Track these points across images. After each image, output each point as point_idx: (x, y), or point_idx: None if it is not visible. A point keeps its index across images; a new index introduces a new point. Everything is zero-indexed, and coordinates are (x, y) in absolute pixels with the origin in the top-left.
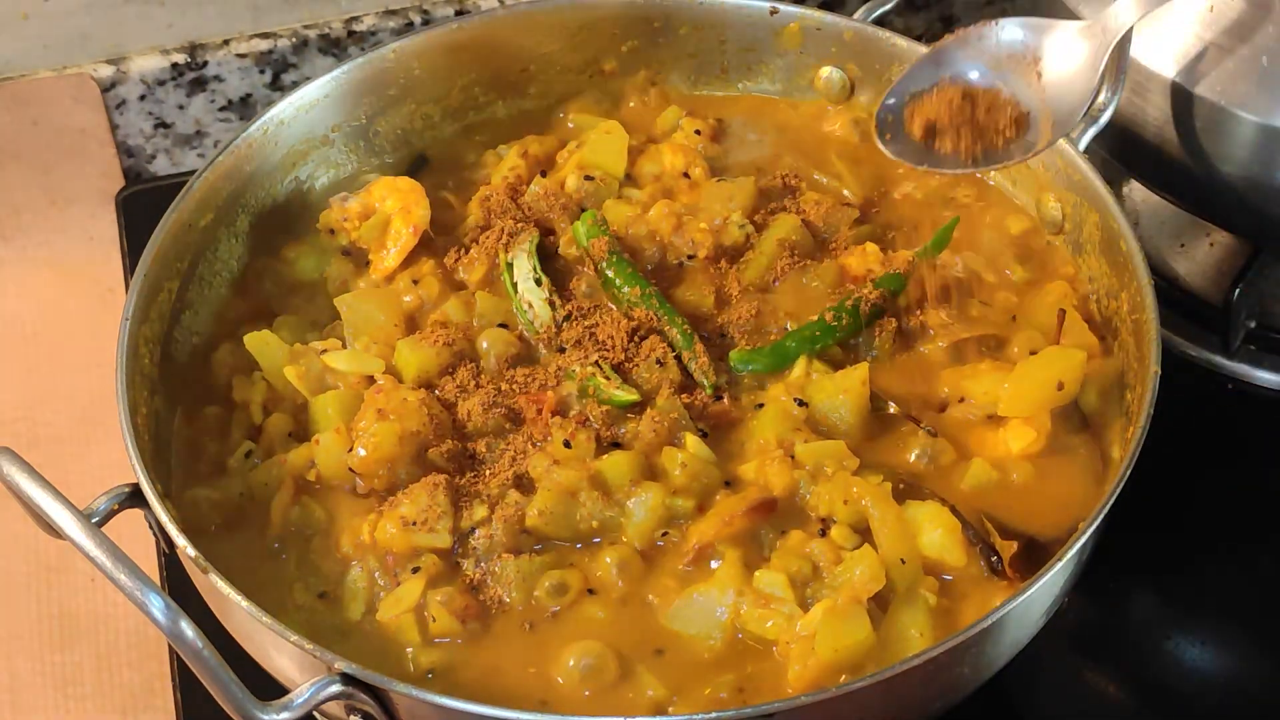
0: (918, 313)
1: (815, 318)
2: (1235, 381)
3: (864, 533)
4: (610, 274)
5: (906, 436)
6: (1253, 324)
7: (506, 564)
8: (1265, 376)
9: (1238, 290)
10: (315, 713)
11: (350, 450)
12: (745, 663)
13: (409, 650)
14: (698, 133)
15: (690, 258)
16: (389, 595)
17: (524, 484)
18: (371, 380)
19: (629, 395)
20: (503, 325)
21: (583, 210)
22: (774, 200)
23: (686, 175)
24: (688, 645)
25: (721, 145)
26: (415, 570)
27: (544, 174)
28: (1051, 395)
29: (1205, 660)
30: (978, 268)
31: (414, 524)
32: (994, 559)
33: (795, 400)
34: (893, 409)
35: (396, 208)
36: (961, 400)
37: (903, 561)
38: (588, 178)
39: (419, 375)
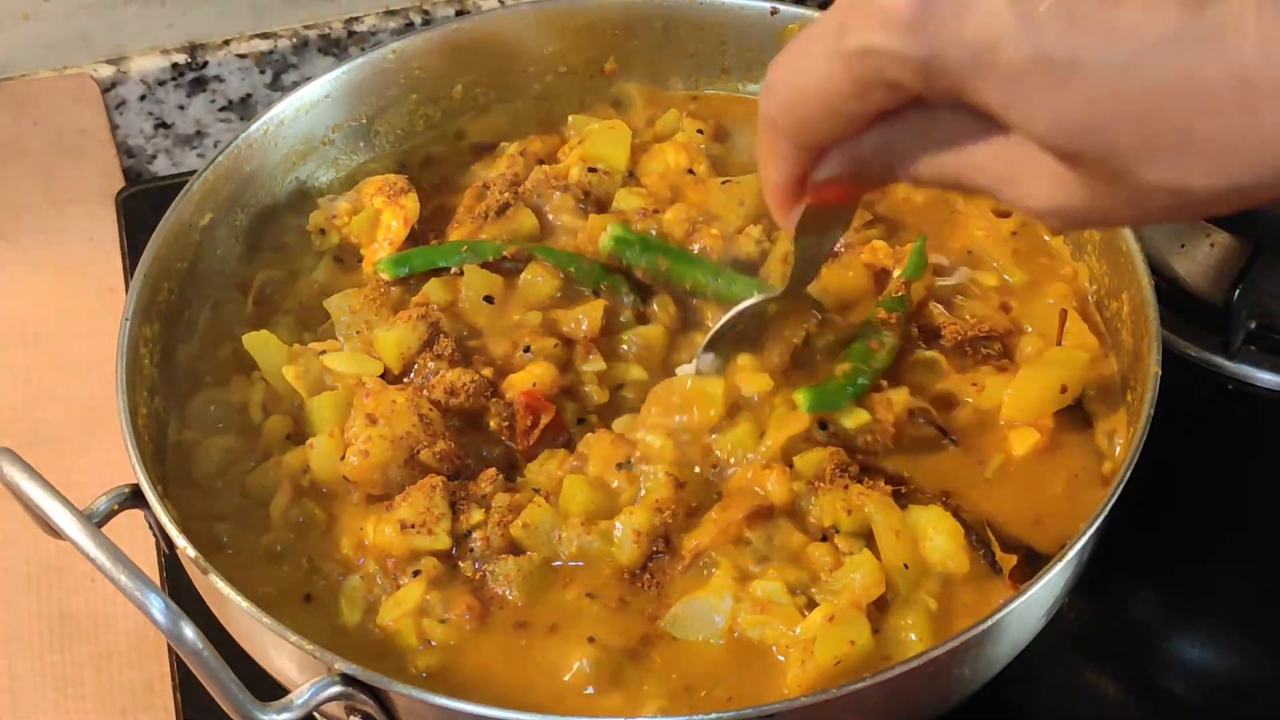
0: (918, 319)
1: (856, 342)
2: (1235, 381)
3: (865, 537)
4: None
5: (917, 441)
6: (1253, 324)
7: (506, 563)
8: (1265, 376)
9: (1238, 290)
10: (315, 713)
11: (342, 458)
12: (745, 666)
13: (408, 652)
14: (700, 132)
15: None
16: (389, 598)
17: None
18: None
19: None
20: (488, 299)
21: (585, 193)
22: None
23: (691, 172)
24: (686, 649)
25: (724, 145)
26: (415, 573)
27: (542, 163)
28: (1055, 398)
29: (1205, 660)
30: (977, 271)
31: (412, 527)
32: (994, 563)
33: (819, 423)
34: (921, 421)
35: (386, 202)
36: (965, 403)
37: (905, 566)
38: (591, 169)
39: (401, 353)
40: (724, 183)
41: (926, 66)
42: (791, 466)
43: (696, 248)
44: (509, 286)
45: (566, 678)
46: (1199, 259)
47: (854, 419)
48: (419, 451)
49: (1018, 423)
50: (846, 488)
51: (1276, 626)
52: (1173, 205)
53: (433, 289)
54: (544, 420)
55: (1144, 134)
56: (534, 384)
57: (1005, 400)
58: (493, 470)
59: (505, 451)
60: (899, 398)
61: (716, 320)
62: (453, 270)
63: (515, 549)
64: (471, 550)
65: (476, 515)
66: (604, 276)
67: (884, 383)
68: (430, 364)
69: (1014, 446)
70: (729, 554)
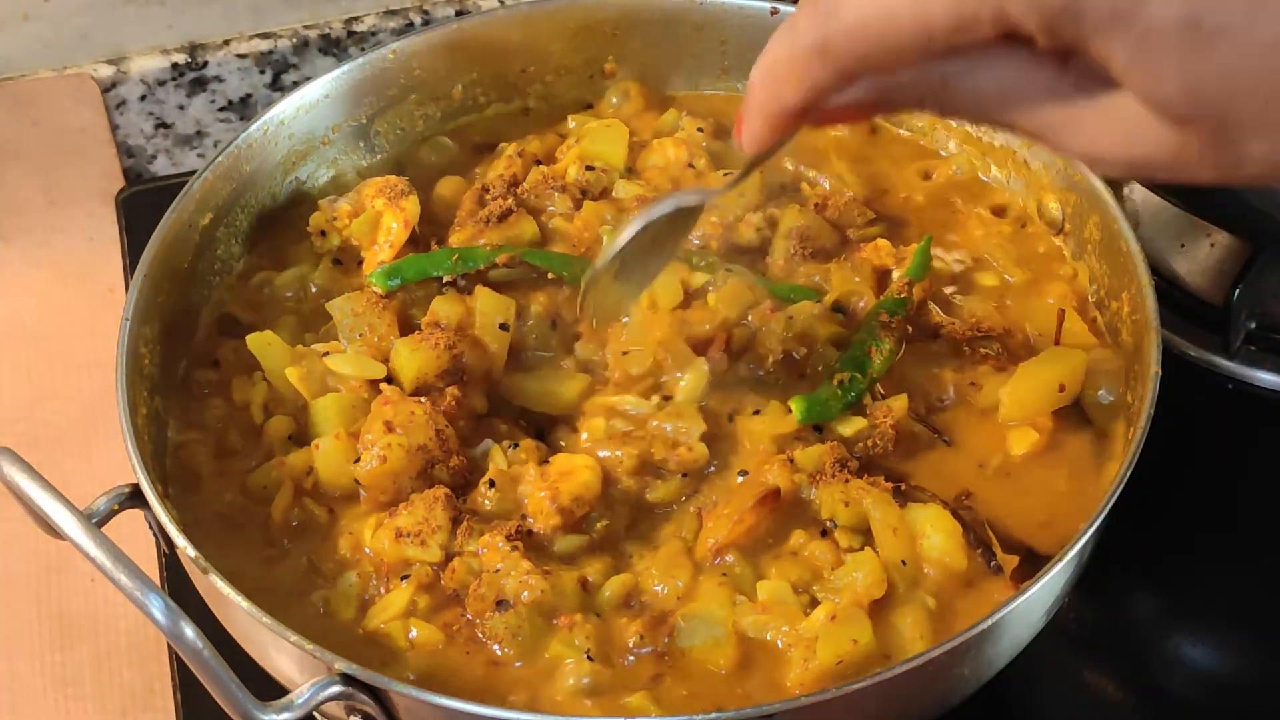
0: (916, 318)
1: (853, 347)
2: (1235, 381)
3: (865, 533)
4: None
5: (915, 441)
6: (1253, 324)
7: (494, 621)
8: (1265, 376)
9: (1238, 290)
10: (315, 713)
11: (357, 461)
12: (752, 668)
13: (399, 654)
14: (700, 130)
15: (703, 247)
16: (379, 601)
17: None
18: (373, 385)
19: None
20: (504, 326)
21: (583, 192)
22: (782, 196)
23: (691, 166)
24: (696, 663)
25: (724, 142)
26: (404, 578)
27: (540, 163)
28: (1053, 397)
29: (1205, 660)
30: (977, 271)
31: (407, 536)
32: (993, 562)
33: (813, 426)
34: (913, 419)
35: (386, 204)
36: (963, 402)
37: (903, 564)
38: (589, 168)
39: (418, 376)
40: (725, 174)
41: (1059, 13)
42: (792, 462)
43: (696, 236)
44: (523, 307)
45: (564, 692)
46: (1199, 259)
47: (850, 426)
48: (434, 466)
49: (1016, 422)
50: (847, 481)
51: (1276, 626)
52: (1261, 175)
53: (440, 306)
54: (590, 511)
55: (1269, 109)
56: (577, 495)
57: (1003, 399)
58: (512, 532)
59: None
60: (898, 405)
61: (643, 214)
62: (445, 279)
63: (505, 603)
64: (456, 597)
65: (470, 545)
66: None
67: (882, 390)
68: (447, 398)
69: (1012, 446)
70: (734, 554)
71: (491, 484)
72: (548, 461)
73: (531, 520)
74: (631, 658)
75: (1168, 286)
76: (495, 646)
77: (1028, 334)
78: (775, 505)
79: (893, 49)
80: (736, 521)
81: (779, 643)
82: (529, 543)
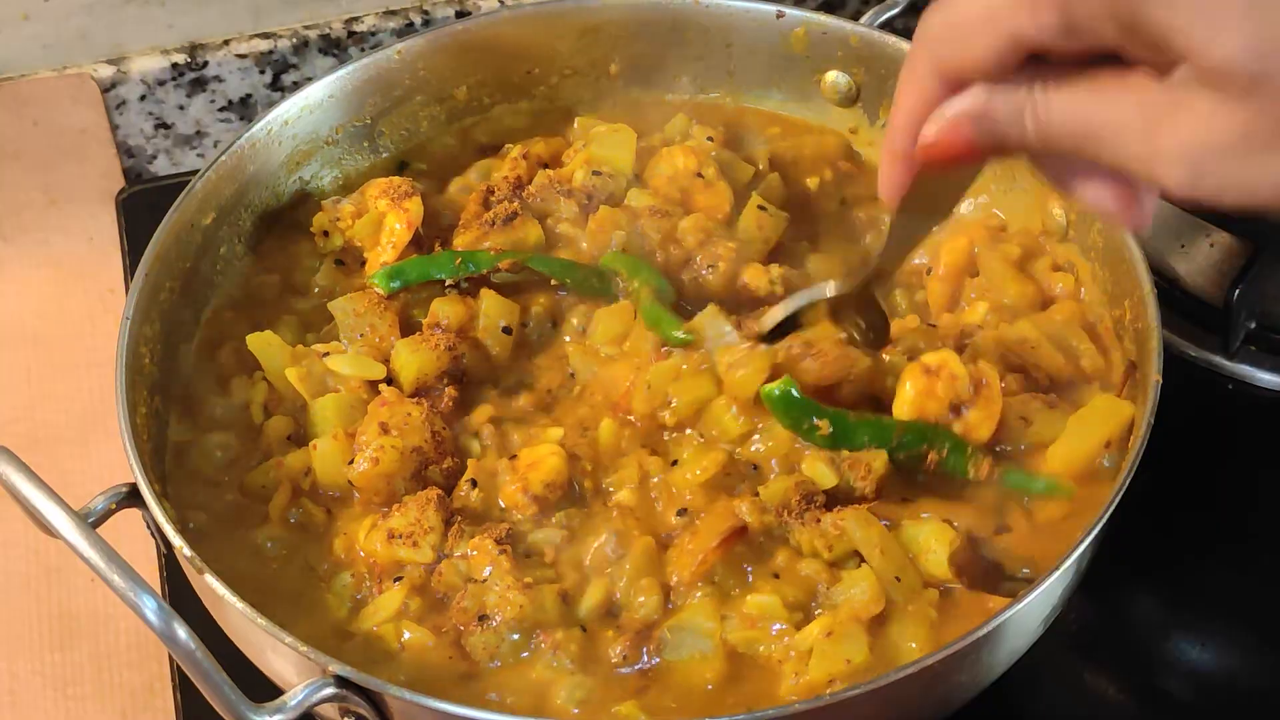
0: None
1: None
2: (1235, 381)
3: (856, 554)
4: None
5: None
6: (1253, 324)
7: (475, 638)
8: (1265, 376)
9: (1238, 290)
10: (311, 714)
11: (351, 463)
12: (741, 683)
13: (392, 655)
14: (710, 140)
15: (710, 268)
16: (372, 603)
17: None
18: (373, 385)
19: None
20: (506, 330)
21: (589, 197)
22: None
23: (700, 175)
24: (681, 670)
25: (732, 152)
26: (397, 580)
27: (546, 166)
28: (1099, 454)
29: (1205, 661)
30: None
31: (399, 537)
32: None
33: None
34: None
35: (390, 205)
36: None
37: (898, 579)
38: (596, 173)
39: (418, 377)
40: (760, 207)
41: None
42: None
43: (707, 266)
44: (524, 308)
45: (556, 703)
46: (1199, 259)
47: (822, 478)
48: (428, 467)
49: (1058, 476)
50: (819, 521)
51: (1277, 626)
52: None
53: (441, 307)
54: (554, 497)
55: None
56: (548, 481)
57: (1049, 456)
58: (500, 533)
59: None
60: (878, 463)
61: (785, 305)
62: (447, 281)
63: (486, 617)
64: (445, 600)
65: (461, 546)
66: (599, 286)
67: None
68: (445, 398)
69: (1037, 513)
70: (718, 574)
71: (473, 483)
72: (515, 456)
73: (511, 514)
74: (623, 670)
75: (1168, 286)
76: (481, 660)
77: (1048, 357)
78: (741, 539)
79: (975, 38)
80: (700, 562)
81: (770, 657)
82: (515, 544)
